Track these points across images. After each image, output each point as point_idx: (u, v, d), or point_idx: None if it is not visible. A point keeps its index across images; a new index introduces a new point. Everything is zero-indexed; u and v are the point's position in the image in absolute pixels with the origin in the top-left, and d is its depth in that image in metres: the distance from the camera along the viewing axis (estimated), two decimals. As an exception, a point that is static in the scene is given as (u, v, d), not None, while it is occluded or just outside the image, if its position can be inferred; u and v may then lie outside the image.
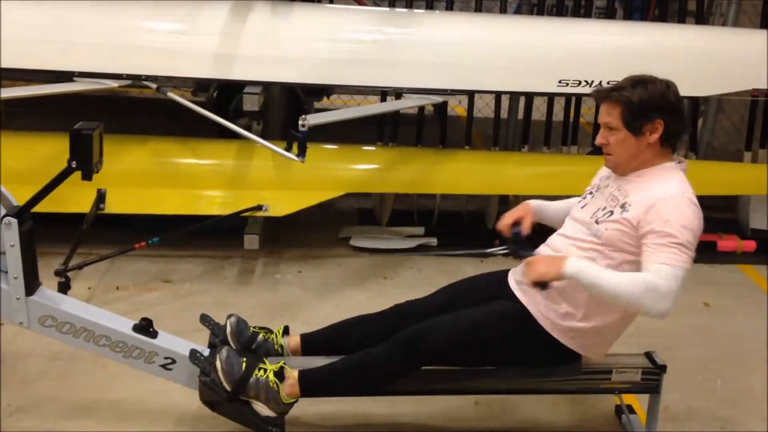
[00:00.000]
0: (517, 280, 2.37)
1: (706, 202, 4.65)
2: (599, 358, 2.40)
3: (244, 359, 2.30)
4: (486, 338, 2.29)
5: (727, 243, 4.34)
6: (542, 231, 2.49)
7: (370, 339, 2.36)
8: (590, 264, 2.12)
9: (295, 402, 2.32)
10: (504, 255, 2.37)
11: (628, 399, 2.72)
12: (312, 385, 2.31)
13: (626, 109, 2.16)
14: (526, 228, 2.41)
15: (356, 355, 2.34)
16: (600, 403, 2.78)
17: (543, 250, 2.38)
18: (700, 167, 4.48)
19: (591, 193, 2.39)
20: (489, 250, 2.48)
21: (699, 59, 3.96)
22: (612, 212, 2.21)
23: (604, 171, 2.42)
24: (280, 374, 2.29)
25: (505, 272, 2.46)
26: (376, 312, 2.53)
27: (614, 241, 2.18)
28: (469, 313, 2.33)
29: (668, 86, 2.20)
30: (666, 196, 2.13)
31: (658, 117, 2.16)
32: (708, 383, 3.03)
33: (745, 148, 4.54)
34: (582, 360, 2.39)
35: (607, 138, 2.23)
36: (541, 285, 2.13)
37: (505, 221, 2.43)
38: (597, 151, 4.61)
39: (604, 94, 2.22)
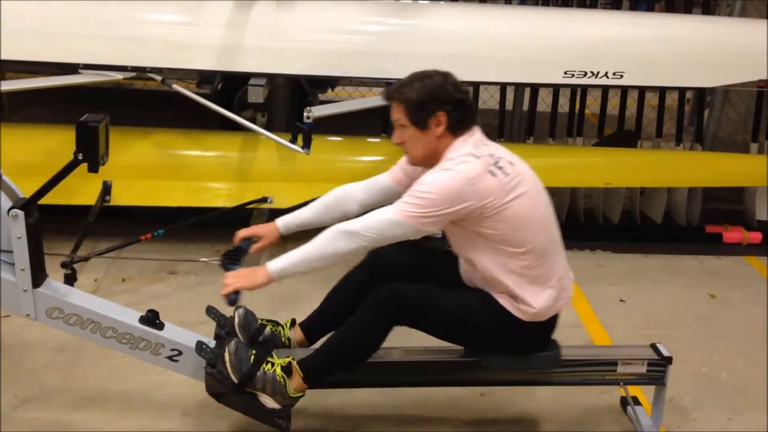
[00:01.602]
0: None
1: (712, 194, 4.70)
2: (544, 314, 2.29)
3: (253, 352, 2.31)
4: (459, 318, 2.28)
5: (733, 234, 4.33)
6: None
7: (358, 297, 2.35)
8: (288, 252, 2.19)
9: (302, 396, 2.33)
10: (219, 265, 2.39)
11: (634, 390, 2.72)
12: (313, 371, 2.30)
13: (408, 106, 2.19)
14: (255, 248, 2.44)
15: (341, 327, 2.33)
16: (605, 395, 2.78)
17: None
18: (706, 159, 4.47)
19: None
20: (202, 259, 2.49)
21: (705, 50, 3.94)
22: None
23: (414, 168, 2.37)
24: (287, 369, 2.29)
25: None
26: (354, 268, 2.52)
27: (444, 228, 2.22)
28: (445, 288, 2.32)
29: (445, 77, 2.22)
30: (435, 170, 2.17)
31: (438, 109, 2.17)
32: (713, 375, 3.03)
33: (751, 140, 4.53)
34: (561, 350, 2.38)
35: (401, 136, 2.25)
36: (231, 298, 2.18)
37: (243, 233, 2.46)
38: (603, 142, 4.63)
39: (388, 94, 2.25)
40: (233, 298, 2.20)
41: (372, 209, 2.26)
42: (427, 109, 2.18)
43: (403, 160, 2.42)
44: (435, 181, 2.12)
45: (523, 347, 2.36)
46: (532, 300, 2.23)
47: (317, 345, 2.46)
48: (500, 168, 2.15)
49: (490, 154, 2.18)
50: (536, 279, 2.23)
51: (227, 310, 2.57)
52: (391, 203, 2.21)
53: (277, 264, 2.19)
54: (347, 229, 2.14)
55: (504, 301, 2.26)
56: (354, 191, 2.49)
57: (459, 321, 2.29)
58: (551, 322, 2.33)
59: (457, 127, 2.21)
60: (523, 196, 2.17)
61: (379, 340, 2.28)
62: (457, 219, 2.15)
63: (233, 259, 2.37)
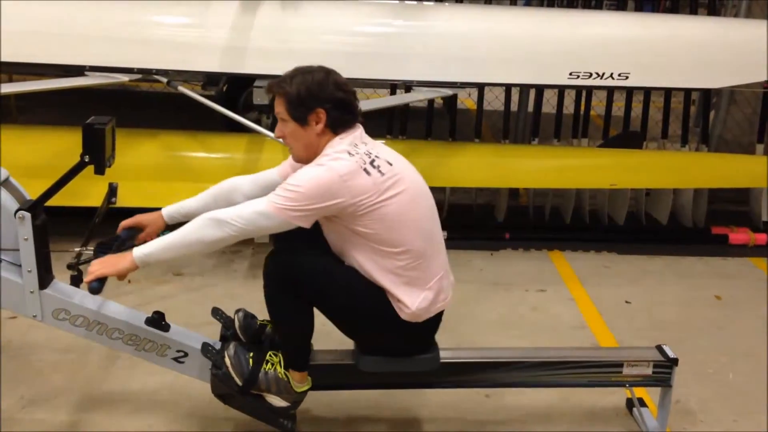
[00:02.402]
0: None
1: (718, 195, 4.69)
2: (423, 312, 2.24)
3: (251, 354, 2.31)
4: (349, 300, 2.23)
5: (739, 236, 4.32)
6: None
7: None
8: (156, 239, 2.16)
9: (308, 389, 2.33)
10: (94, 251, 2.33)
11: (640, 392, 2.71)
12: (290, 358, 2.29)
13: (288, 101, 2.17)
14: (140, 238, 2.39)
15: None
16: (611, 397, 2.77)
17: None
18: (712, 160, 4.46)
19: None
20: (75, 249, 2.44)
21: (711, 51, 3.94)
22: None
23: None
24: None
25: None
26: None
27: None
28: (341, 267, 2.25)
29: (328, 74, 2.19)
30: (309, 165, 2.15)
31: (317, 106, 2.15)
32: (720, 377, 3.02)
33: (757, 141, 4.51)
34: (439, 352, 2.34)
35: (283, 131, 2.23)
36: (94, 286, 2.12)
37: (126, 222, 2.42)
38: (608, 143, 4.62)
39: (268, 87, 2.23)
40: (95, 286, 2.12)
41: None
42: (307, 105, 2.15)
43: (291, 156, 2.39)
44: (306, 176, 2.10)
45: (400, 345, 2.32)
46: (407, 301, 2.19)
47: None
48: (376, 167, 2.13)
49: (367, 152, 2.16)
50: (413, 280, 2.20)
51: (232, 311, 2.58)
52: None
53: (143, 250, 2.14)
54: (216, 217, 2.10)
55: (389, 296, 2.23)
56: (242, 184, 2.46)
57: (348, 305, 2.23)
58: (431, 323, 2.28)
59: (337, 126, 2.18)
60: (399, 196, 2.14)
61: (289, 307, 2.22)
62: (331, 215, 2.13)
63: (108, 248, 2.29)
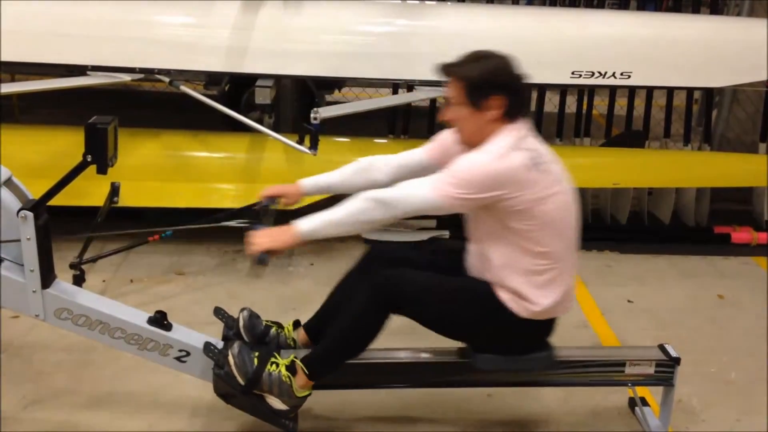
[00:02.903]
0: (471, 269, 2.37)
1: (720, 194, 4.68)
2: (554, 311, 2.29)
3: (256, 354, 2.31)
4: (455, 308, 2.26)
5: (741, 235, 4.32)
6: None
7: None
8: (316, 214, 2.15)
9: (309, 395, 2.33)
10: (238, 222, 2.34)
11: (642, 391, 2.71)
12: (316, 366, 2.29)
13: (467, 84, 2.16)
14: (280, 203, 2.40)
15: (338, 318, 2.32)
16: (613, 396, 2.77)
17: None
18: (714, 159, 4.46)
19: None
20: (225, 223, 2.44)
21: (713, 50, 3.93)
22: None
23: (454, 145, 2.33)
24: (291, 368, 2.30)
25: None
26: (353, 265, 2.50)
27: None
28: (445, 278, 2.30)
29: (508, 62, 2.19)
30: (477, 152, 2.14)
31: (497, 93, 2.14)
32: (722, 376, 3.01)
33: (760, 140, 4.51)
34: (554, 351, 2.36)
35: (453, 114, 2.22)
36: (261, 258, 2.11)
37: (268, 191, 2.44)
38: (611, 142, 4.62)
39: (446, 70, 2.21)
40: (263, 257, 2.11)
41: (400, 181, 2.24)
42: (485, 90, 2.14)
43: (441, 137, 2.40)
44: (475, 164, 2.09)
45: (517, 346, 2.33)
46: (537, 300, 2.21)
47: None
48: (541, 165, 2.14)
49: (534, 148, 2.17)
50: (547, 282, 2.21)
51: (235, 311, 2.58)
52: (419, 177, 2.19)
53: (306, 225, 2.13)
54: (381, 197, 2.10)
55: (505, 296, 2.24)
56: (383, 162, 2.46)
57: (454, 312, 2.27)
58: (549, 323, 2.31)
59: (511, 113, 2.17)
60: (555, 197, 2.16)
61: (375, 327, 2.24)
62: (488, 206, 2.13)
63: (255, 218, 2.32)
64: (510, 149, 2.11)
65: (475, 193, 2.08)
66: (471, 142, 2.22)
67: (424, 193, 2.11)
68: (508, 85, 2.15)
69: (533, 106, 4.57)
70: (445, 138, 2.40)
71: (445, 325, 2.33)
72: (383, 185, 2.31)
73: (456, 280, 2.32)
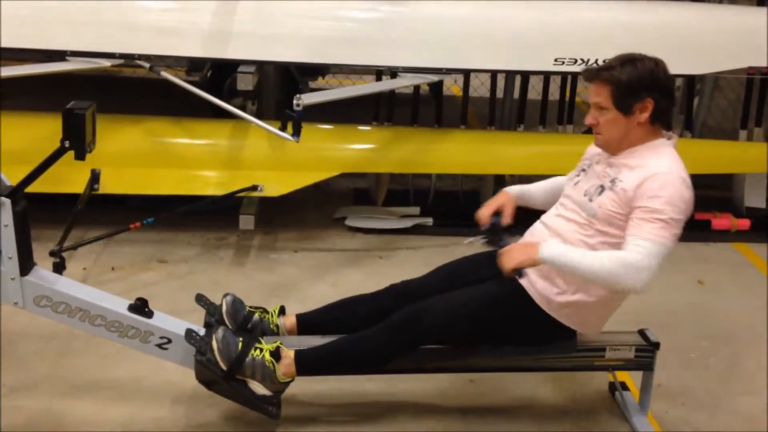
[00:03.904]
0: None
1: (701, 181, 4.69)
2: (595, 333, 2.41)
3: (240, 339, 2.31)
4: (482, 318, 2.31)
5: (721, 221, 4.35)
6: (523, 218, 2.50)
7: (366, 319, 2.38)
8: (565, 246, 2.17)
9: (291, 381, 2.34)
10: (483, 244, 2.39)
11: (622, 376, 2.74)
12: (308, 365, 2.32)
13: (615, 88, 2.15)
14: (506, 217, 2.41)
15: (353, 336, 2.36)
16: (594, 381, 2.80)
17: (527, 236, 2.39)
18: (695, 145, 4.48)
19: (584, 170, 2.38)
20: (467, 240, 2.50)
21: (695, 37, 3.94)
22: (603, 189, 2.22)
23: (593, 149, 2.40)
24: (276, 354, 2.30)
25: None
26: (372, 291, 2.54)
27: (608, 218, 2.19)
28: (464, 293, 2.34)
29: (657, 64, 2.18)
30: (657, 172, 2.14)
31: (647, 95, 2.14)
32: (701, 361, 3.05)
33: (740, 127, 4.54)
34: (577, 337, 2.41)
35: (597, 118, 2.22)
36: (518, 273, 2.17)
37: (485, 211, 2.43)
38: (591, 130, 4.63)
39: (593, 74, 2.20)
40: (521, 271, 2.17)
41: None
42: (636, 94, 2.14)
43: (588, 152, 2.42)
44: (677, 201, 2.11)
45: (543, 340, 2.39)
46: (589, 305, 2.27)
47: (309, 338, 2.46)
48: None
49: None
50: (612, 295, 2.26)
51: (217, 298, 2.58)
52: None
53: (551, 252, 2.13)
54: (634, 264, 2.04)
55: (538, 295, 2.27)
56: (561, 183, 2.49)
57: (485, 327, 2.33)
58: None
59: (660, 119, 2.18)
60: None
61: (389, 359, 2.33)
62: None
63: (495, 236, 2.37)
64: (683, 168, 2.16)
65: (681, 226, 2.12)
66: (616, 147, 2.23)
67: (660, 251, 2.07)
68: (657, 87, 2.15)
69: (516, 93, 4.58)
70: (590, 151, 2.41)
71: (477, 340, 2.39)
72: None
73: (480, 294, 2.32)
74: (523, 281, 2.29)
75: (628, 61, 2.17)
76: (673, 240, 2.10)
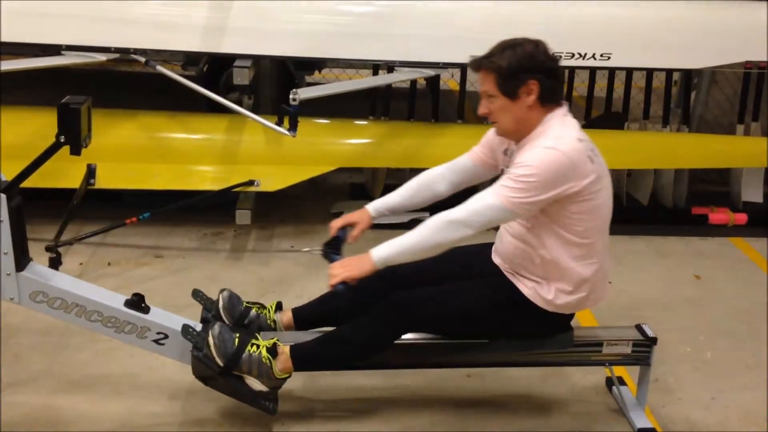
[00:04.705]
0: (499, 263, 2.39)
1: (698, 175, 4.72)
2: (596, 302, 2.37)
3: (237, 335, 2.31)
4: (475, 312, 2.31)
5: (718, 216, 4.36)
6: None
7: (360, 306, 2.36)
8: (393, 239, 2.18)
9: (288, 377, 2.33)
10: (321, 255, 2.38)
11: (619, 371, 2.74)
12: (304, 359, 2.32)
13: (498, 75, 2.15)
14: (352, 236, 2.40)
15: (345, 326, 2.35)
16: (591, 375, 2.80)
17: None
18: (692, 140, 4.49)
19: (503, 170, 2.35)
20: (305, 249, 2.50)
21: (693, 32, 3.94)
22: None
23: (500, 143, 2.35)
24: (272, 350, 2.30)
25: (490, 246, 2.46)
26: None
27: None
28: (458, 286, 2.34)
29: (537, 46, 2.18)
30: (535, 146, 2.13)
31: (530, 78, 2.13)
32: (698, 355, 3.05)
33: (737, 121, 4.54)
34: (573, 332, 2.41)
35: (488, 107, 2.22)
36: (340, 288, 2.18)
37: (337, 223, 2.43)
38: (590, 124, 4.63)
39: (477, 64, 2.21)
40: (341, 288, 2.18)
41: (460, 189, 2.31)
42: (518, 77, 2.13)
43: (487, 137, 2.39)
44: (537, 163, 2.07)
45: (537, 333, 2.38)
46: (569, 290, 2.24)
47: (306, 333, 2.46)
48: (596, 155, 2.15)
49: (588, 139, 2.17)
50: (582, 274, 2.24)
51: (213, 294, 2.57)
52: (474, 183, 2.21)
53: (381, 253, 2.17)
54: (453, 218, 2.11)
55: (527, 289, 2.26)
56: (441, 172, 2.47)
57: (474, 321, 2.32)
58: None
59: (548, 98, 2.16)
60: (605, 190, 2.18)
61: (382, 347, 2.32)
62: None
63: (334, 248, 2.36)
64: (568, 143, 2.10)
65: (542, 193, 2.07)
66: (513, 132, 2.21)
67: (491, 202, 2.10)
68: (538, 68, 2.14)
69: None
70: (490, 137, 2.38)
71: (468, 333, 2.38)
72: (446, 195, 2.40)
73: (473, 287, 2.33)
74: (514, 281, 2.29)
75: (508, 46, 2.17)
76: (517, 195, 2.07)
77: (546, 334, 2.39)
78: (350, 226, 2.42)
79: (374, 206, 2.45)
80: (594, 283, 2.28)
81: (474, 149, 2.46)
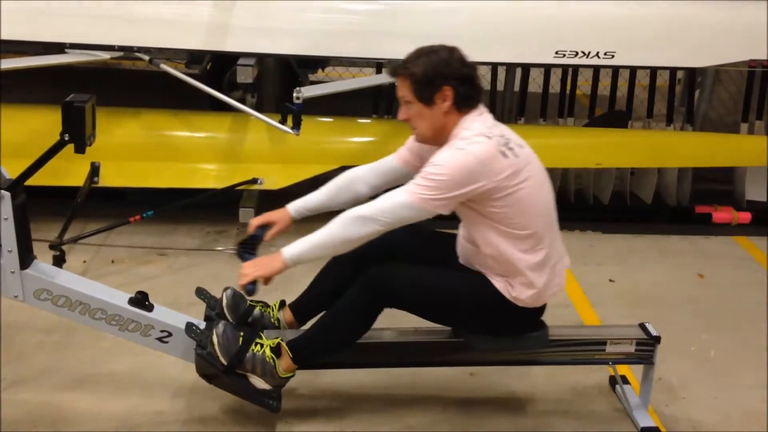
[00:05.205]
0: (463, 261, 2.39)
1: (702, 174, 4.71)
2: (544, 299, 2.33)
3: (241, 334, 2.31)
4: (449, 293, 2.28)
5: (722, 215, 4.35)
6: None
7: (347, 277, 2.37)
8: (302, 238, 2.18)
9: (292, 376, 2.33)
10: (236, 255, 2.37)
11: (622, 370, 2.74)
12: (300, 352, 2.30)
13: (413, 81, 2.16)
14: (269, 235, 2.39)
15: (330, 309, 2.34)
16: (594, 374, 2.80)
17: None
18: (696, 139, 4.48)
19: None
20: (219, 248, 2.49)
21: (697, 30, 3.93)
22: None
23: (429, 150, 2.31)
24: (276, 350, 2.30)
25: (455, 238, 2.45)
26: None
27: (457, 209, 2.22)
28: (438, 266, 2.33)
29: (452, 52, 2.19)
30: (446, 148, 2.15)
31: (444, 84, 2.14)
32: (702, 354, 3.05)
33: (741, 120, 4.53)
34: (548, 330, 2.40)
35: (407, 113, 2.22)
36: (250, 288, 2.17)
37: (256, 221, 2.42)
38: (594, 122, 4.62)
39: (393, 70, 2.22)
40: (251, 288, 2.18)
41: (382, 191, 2.26)
42: (433, 84, 2.14)
43: (411, 140, 2.39)
44: (447, 162, 2.09)
45: (513, 329, 2.37)
46: (528, 282, 2.23)
47: (307, 326, 2.47)
48: (511, 149, 2.14)
49: (501, 134, 2.17)
50: (534, 264, 2.23)
51: (217, 292, 2.57)
52: (400, 185, 2.20)
53: (291, 250, 2.17)
54: (361, 214, 2.12)
55: (499, 284, 2.26)
56: (363, 173, 2.47)
57: (449, 303, 2.30)
58: (542, 305, 2.35)
59: (464, 103, 2.18)
60: (530, 180, 2.17)
61: (367, 323, 2.29)
62: (467, 200, 2.14)
63: (249, 248, 2.35)
64: (478, 141, 2.10)
65: (451, 191, 2.08)
66: (431, 138, 2.22)
67: (402, 200, 2.11)
68: (452, 75, 2.15)
69: (517, 86, 4.56)
70: (413, 139, 2.38)
71: (440, 316, 2.36)
72: (368, 196, 2.37)
73: (450, 270, 2.33)
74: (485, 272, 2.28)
75: (424, 53, 2.18)
76: (429, 198, 2.08)
77: (522, 331, 2.37)
78: (269, 225, 2.41)
79: (294, 206, 2.45)
80: (551, 269, 2.26)
81: (400, 150, 2.45)
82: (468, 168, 2.07)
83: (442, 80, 2.14)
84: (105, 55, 3.60)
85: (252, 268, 2.19)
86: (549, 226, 2.26)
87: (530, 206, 2.18)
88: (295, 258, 2.17)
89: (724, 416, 2.66)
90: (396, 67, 2.22)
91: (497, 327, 2.35)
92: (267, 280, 2.21)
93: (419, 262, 2.37)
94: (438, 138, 2.21)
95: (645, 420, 2.54)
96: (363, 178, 2.46)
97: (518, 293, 2.25)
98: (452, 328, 2.43)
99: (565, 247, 2.38)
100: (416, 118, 2.21)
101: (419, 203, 2.10)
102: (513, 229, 2.18)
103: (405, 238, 2.43)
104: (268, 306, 2.55)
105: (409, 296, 2.28)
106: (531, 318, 2.35)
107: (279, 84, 4.45)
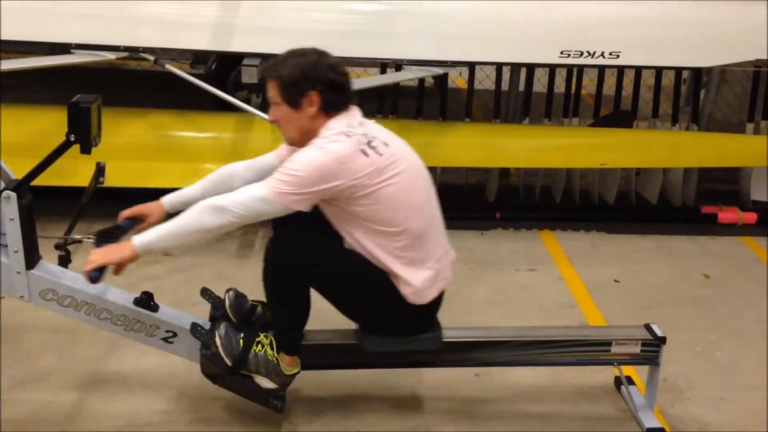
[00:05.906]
0: None
1: (707, 174, 4.70)
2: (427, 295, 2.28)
3: (242, 336, 2.31)
4: (350, 281, 2.25)
5: (728, 215, 4.34)
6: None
7: None
8: (157, 227, 2.14)
9: (298, 372, 2.33)
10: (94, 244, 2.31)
11: (628, 370, 2.73)
12: (282, 341, 2.30)
13: (280, 83, 2.14)
14: (139, 229, 2.35)
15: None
16: (599, 375, 2.79)
17: None
18: (702, 139, 4.47)
19: None
20: (76, 237, 2.45)
21: (702, 30, 3.92)
22: None
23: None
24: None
25: None
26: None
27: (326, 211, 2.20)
28: (344, 249, 2.28)
29: (321, 56, 2.17)
30: (308, 146, 2.13)
31: (311, 89, 2.12)
32: (707, 355, 3.04)
33: (747, 120, 4.52)
34: (441, 332, 2.36)
35: (276, 114, 2.20)
36: (95, 276, 2.10)
37: (126, 213, 2.39)
38: (599, 122, 4.62)
39: (262, 71, 2.20)
40: (94, 275, 2.09)
41: None
42: (300, 88, 2.12)
43: None
44: (304, 159, 2.08)
45: (403, 327, 2.33)
46: (409, 281, 2.21)
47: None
48: (373, 148, 2.12)
49: (364, 133, 2.15)
50: (413, 260, 2.20)
51: (222, 292, 2.58)
52: None
53: (142, 238, 2.12)
54: (215, 204, 2.08)
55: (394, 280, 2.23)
56: (241, 169, 2.44)
57: (349, 286, 2.25)
58: (433, 302, 2.30)
59: (331, 108, 2.15)
60: (397, 176, 2.14)
61: (298, 296, 2.23)
62: (329, 197, 2.12)
63: (109, 237, 2.28)
64: (336, 140, 2.09)
65: (308, 188, 2.06)
66: (298, 141, 2.20)
67: (258, 193, 2.08)
68: (319, 80, 2.12)
69: (522, 86, 4.56)
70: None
71: (341, 300, 2.30)
72: None
73: (357, 255, 2.26)
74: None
75: (292, 55, 2.16)
76: (284, 193, 2.06)
77: (413, 331, 2.34)
78: (141, 218, 2.39)
79: (168, 199, 2.42)
80: (434, 265, 2.24)
81: (281, 148, 2.43)
82: (324, 166, 2.06)
83: (309, 85, 2.12)
84: (110, 56, 3.61)
85: (99, 255, 2.12)
86: (427, 221, 2.23)
87: (402, 203, 2.15)
88: (146, 246, 2.11)
89: (731, 417, 2.65)
90: (265, 67, 2.20)
91: (388, 322, 2.31)
92: (118, 268, 2.14)
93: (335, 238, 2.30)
94: (306, 141, 2.17)
95: (650, 421, 2.53)
96: (239, 173, 2.43)
97: (401, 288, 2.22)
98: (354, 319, 2.38)
99: (449, 242, 2.34)
100: (284, 121, 2.18)
101: (275, 198, 2.07)
102: (383, 227, 2.15)
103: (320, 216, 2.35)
104: (270, 305, 2.55)
105: (310, 272, 2.20)
106: (421, 316, 2.30)
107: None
